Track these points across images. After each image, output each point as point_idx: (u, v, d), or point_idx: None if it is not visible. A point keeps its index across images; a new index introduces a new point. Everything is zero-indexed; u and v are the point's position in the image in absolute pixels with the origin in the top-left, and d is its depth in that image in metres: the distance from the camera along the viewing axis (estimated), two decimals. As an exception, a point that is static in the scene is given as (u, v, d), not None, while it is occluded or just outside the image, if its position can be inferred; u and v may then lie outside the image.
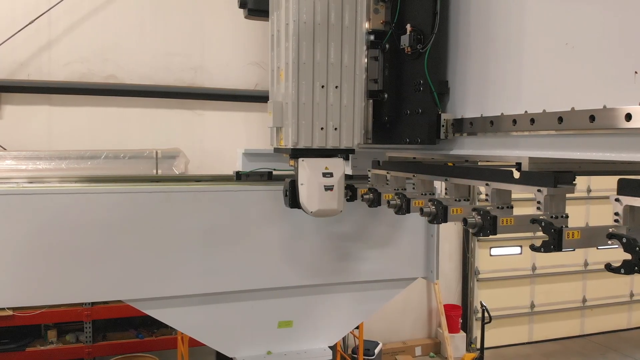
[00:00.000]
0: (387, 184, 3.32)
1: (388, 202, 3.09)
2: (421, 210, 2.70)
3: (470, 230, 2.33)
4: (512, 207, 2.48)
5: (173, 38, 7.22)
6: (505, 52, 2.40)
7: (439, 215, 2.62)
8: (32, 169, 6.07)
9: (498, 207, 2.43)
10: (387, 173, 3.29)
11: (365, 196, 3.32)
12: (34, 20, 6.54)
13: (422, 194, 3.04)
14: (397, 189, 3.21)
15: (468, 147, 2.70)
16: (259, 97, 7.30)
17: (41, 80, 6.69)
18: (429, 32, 2.77)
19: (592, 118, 1.88)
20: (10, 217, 3.21)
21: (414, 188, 3.10)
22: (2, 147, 6.51)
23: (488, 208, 2.37)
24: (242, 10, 3.62)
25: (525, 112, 2.21)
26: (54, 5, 6.61)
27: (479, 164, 3.03)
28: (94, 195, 3.37)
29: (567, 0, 2.07)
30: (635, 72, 1.74)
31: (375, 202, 3.27)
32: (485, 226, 2.29)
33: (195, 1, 7.32)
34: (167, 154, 6.63)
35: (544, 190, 2.15)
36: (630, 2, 1.80)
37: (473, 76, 2.64)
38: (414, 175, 3.06)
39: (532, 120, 2.17)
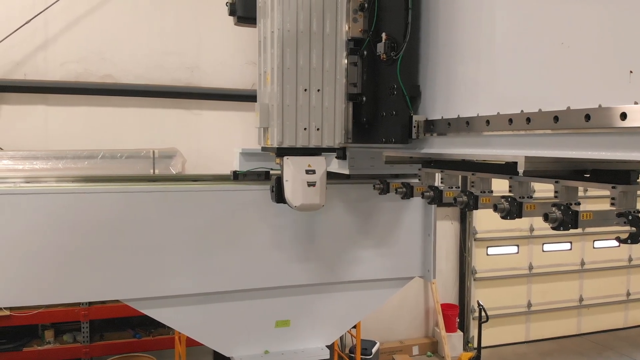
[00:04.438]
0: (442, 183, 3.39)
1: (454, 199, 3.12)
2: (495, 206, 2.76)
3: (550, 225, 2.36)
4: (579, 204, 2.51)
5: (169, 37, 7.22)
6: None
7: (514, 210, 2.68)
8: (29, 169, 6.06)
9: (569, 204, 2.46)
10: (441, 171, 3.35)
11: (425, 193, 3.40)
12: (30, 20, 6.53)
13: (481, 192, 3.07)
14: (452, 187, 3.30)
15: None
16: (256, 97, 7.30)
17: (37, 80, 6.68)
18: (401, 40, 3.02)
19: (587, 117, 1.89)
20: (7, 217, 3.21)
21: (473, 186, 3.11)
22: (-2, 147, 6.51)
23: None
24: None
25: (516, 111, 2.24)
26: (51, 5, 6.60)
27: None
28: (91, 195, 3.38)
29: (562, 0, 2.08)
30: (631, 72, 1.75)
31: (436, 199, 3.35)
32: (567, 221, 2.34)
33: (191, 1, 7.32)
34: (164, 154, 6.62)
35: (619, 187, 2.22)
36: (625, 2, 1.81)
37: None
38: (473, 174, 3.10)
39: (528, 120, 2.19)
